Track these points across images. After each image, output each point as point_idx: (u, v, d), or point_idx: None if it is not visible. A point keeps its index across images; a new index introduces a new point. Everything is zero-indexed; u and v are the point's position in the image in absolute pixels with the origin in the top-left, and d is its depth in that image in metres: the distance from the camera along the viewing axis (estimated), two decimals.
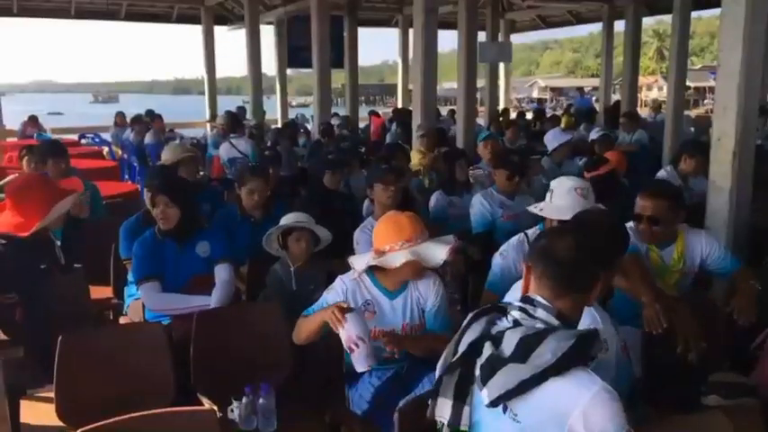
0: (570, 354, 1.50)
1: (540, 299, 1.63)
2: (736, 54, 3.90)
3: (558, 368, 1.50)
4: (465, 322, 1.74)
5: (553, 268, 1.64)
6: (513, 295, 2.11)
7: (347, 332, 2.31)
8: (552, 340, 1.53)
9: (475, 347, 1.65)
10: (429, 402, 1.74)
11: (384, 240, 2.56)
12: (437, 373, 1.74)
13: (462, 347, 1.68)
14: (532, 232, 3.10)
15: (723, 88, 4.02)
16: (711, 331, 2.69)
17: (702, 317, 2.66)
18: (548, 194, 3.10)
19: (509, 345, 1.57)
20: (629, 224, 3.06)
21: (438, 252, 2.50)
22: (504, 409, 1.57)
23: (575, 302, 1.64)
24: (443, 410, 1.69)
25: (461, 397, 1.66)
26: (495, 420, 1.60)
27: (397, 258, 2.50)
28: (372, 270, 2.64)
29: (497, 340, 1.61)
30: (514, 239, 3.11)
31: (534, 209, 3.10)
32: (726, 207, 4.03)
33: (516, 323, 1.63)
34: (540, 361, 1.51)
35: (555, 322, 1.60)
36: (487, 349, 1.61)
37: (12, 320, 2.89)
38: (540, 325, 1.60)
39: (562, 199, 2.99)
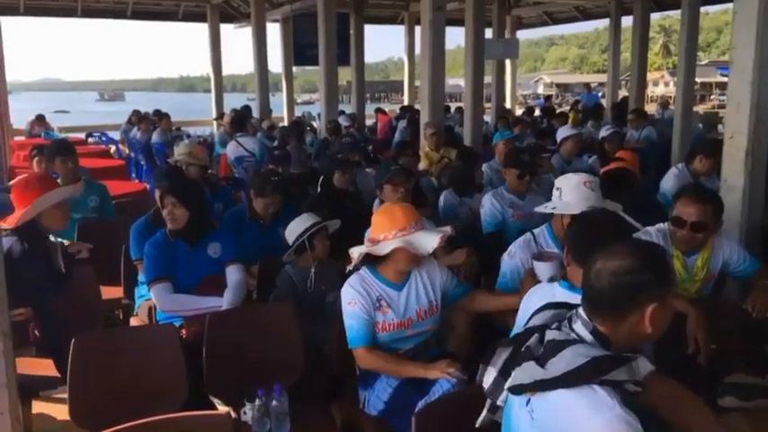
0: (578, 371, 1.51)
1: (581, 312, 1.66)
2: (749, 51, 3.87)
3: (566, 381, 1.51)
4: (538, 308, 1.82)
5: (585, 291, 1.67)
6: (540, 294, 2.18)
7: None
8: (569, 353, 1.55)
9: (530, 333, 1.71)
10: (480, 368, 1.80)
11: (379, 230, 2.64)
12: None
13: (522, 329, 1.76)
14: (539, 231, 3.08)
15: (736, 85, 3.98)
16: (727, 333, 2.67)
17: (718, 318, 2.64)
18: (555, 192, 3.07)
19: (544, 344, 1.64)
20: (654, 227, 3.05)
21: (429, 240, 2.56)
22: (527, 402, 1.61)
23: (611, 326, 1.61)
24: (488, 379, 1.76)
25: (506, 374, 1.70)
26: (519, 408, 1.65)
27: (387, 246, 2.58)
28: (374, 266, 2.70)
29: (543, 335, 1.67)
30: (521, 239, 3.09)
31: (544, 209, 3.06)
32: (738, 206, 3.99)
33: (559, 327, 1.68)
34: (553, 369, 1.55)
35: (588, 338, 1.61)
36: (532, 340, 1.67)
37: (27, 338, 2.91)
38: (573, 335, 1.63)
39: (571, 194, 2.97)
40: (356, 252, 2.70)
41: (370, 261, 2.70)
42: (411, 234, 2.57)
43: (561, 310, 1.76)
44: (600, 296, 1.61)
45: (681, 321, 2.55)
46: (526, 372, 1.60)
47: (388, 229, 2.60)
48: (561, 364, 1.54)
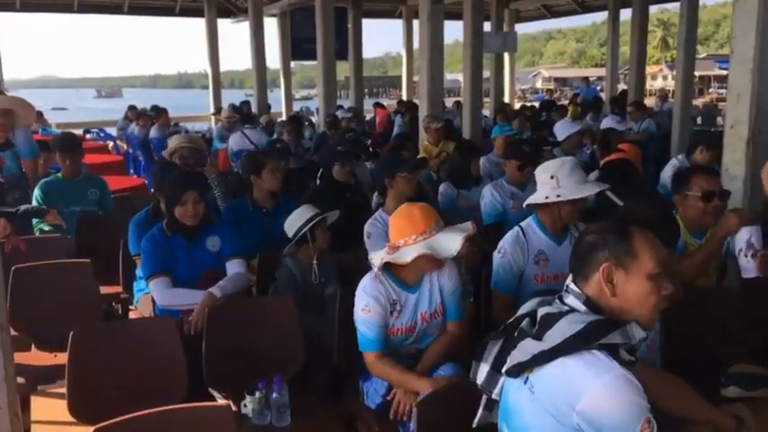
0: (576, 337, 1.54)
1: (572, 285, 1.71)
2: (749, 41, 3.86)
3: (565, 349, 1.53)
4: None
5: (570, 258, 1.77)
6: None
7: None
8: (564, 322, 1.59)
9: (519, 321, 1.73)
10: (473, 364, 1.81)
11: (399, 235, 2.51)
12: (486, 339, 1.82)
13: (510, 319, 1.77)
14: (526, 224, 3.01)
15: (736, 75, 3.97)
16: (731, 322, 2.66)
17: (721, 308, 2.63)
18: (550, 181, 2.89)
19: (538, 321, 1.67)
20: None
21: (452, 243, 2.43)
22: (525, 381, 1.62)
23: (594, 291, 1.66)
24: (481, 374, 1.77)
25: (498, 366, 1.72)
26: (516, 390, 1.66)
27: (409, 253, 2.45)
28: (391, 269, 2.58)
29: (534, 318, 1.69)
30: (509, 235, 3.00)
31: (545, 199, 2.88)
32: (740, 194, 3.98)
33: (550, 304, 1.72)
34: (551, 340, 1.57)
35: (581, 308, 1.65)
36: (525, 323, 1.70)
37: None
38: (566, 308, 1.67)
39: (569, 179, 2.85)
40: (377, 258, 2.57)
41: (387, 263, 2.56)
42: (432, 237, 2.45)
43: (547, 297, 1.79)
44: (571, 257, 1.73)
45: (685, 317, 2.54)
46: (523, 350, 1.61)
47: (407, 234, 2.47)
48: (558, 333, 1.56)
